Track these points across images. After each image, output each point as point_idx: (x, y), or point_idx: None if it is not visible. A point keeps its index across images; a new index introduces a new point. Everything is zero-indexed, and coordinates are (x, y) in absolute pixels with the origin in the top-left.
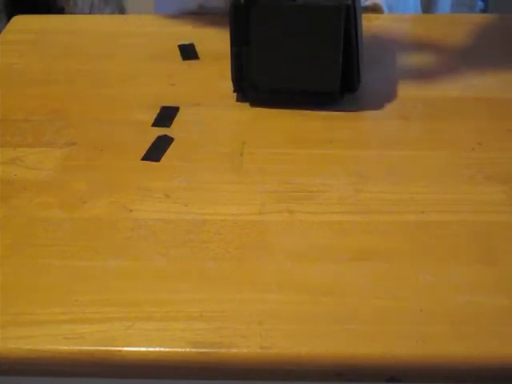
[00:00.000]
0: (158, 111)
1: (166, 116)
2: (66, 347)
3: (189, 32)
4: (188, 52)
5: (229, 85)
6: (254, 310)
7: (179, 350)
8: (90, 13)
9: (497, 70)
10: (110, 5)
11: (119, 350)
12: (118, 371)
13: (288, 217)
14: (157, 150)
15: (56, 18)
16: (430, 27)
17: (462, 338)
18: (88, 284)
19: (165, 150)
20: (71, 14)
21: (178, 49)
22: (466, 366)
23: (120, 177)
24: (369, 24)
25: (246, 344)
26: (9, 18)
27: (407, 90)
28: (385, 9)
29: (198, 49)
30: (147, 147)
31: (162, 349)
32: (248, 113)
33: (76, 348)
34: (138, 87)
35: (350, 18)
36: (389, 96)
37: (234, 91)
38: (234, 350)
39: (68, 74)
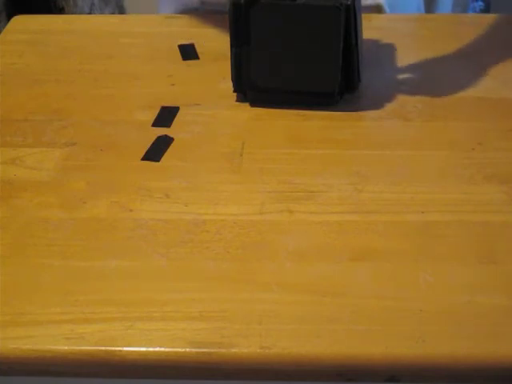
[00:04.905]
0: (158, 111)
1: (166, 116)
2: (66, 347)
3: (189, 32)
4: (188, 52)
5: (229, 85)
6: (254, 309)
7: (179, 349)
8: (89, 13)
9: (497, 69)
10: (110, 5)
11: (119, 350)
12: (118, 371)
13: (288, 217)
14: (157, 150)
15: (56, 18)
16: (430, 27)
17: (462, 338)
18: (88, 284)
19: (165, 150)
20: (71, 14)
21: (178, 49)
22: (466, 365)
23: (120, 177)
24: (369, 24)
25: (246, 344)
26: (9, 18)
27: (407, 90)
28: (387, 9)
29: (198, 49)
30: (147, 147)
31: (162, 349)
32: (248, 113)
33: (76, 348)
34: (138, 87)
35: (349, 17)
36: (389, 96)
37: (234, 91)
38: (234, 350)
39: (68, 74)
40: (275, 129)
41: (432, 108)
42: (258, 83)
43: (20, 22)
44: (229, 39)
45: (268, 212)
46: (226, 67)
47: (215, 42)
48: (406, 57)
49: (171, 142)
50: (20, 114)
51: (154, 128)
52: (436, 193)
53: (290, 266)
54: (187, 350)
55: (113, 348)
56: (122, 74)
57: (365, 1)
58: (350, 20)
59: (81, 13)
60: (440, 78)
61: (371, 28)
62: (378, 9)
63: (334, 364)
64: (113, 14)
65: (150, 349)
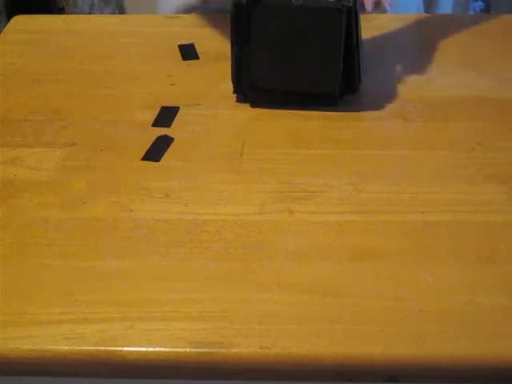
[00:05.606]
0: (158, 111)
1: (166, 116)
2: (66, 347)
3: (189, 32)
4: (188, 52)
5: (229, 85)
6: (254, 309)
7: (179, 349)
8: (89, 13)
9: (497, 69)
10: (110, 5)
11: (119, 350)
12: (118, 371)
13: (288, 217)
14: (157, 150)
15: (56, 18)
16: (430, 27)
17: (462, 338)
18: (88, 284)
19: (165, 150)
20: (71, 14)
21: (178, 49)
22: (466, 365)
23: (120, 177)
24: (369, 24)
25: (246, 344)
26: (9, 18)
27: (407, 90)
28: (386, 6)
29: (198, 49)
30: (147, 147)
31: (162, 349)
32: (248, 113)
33: (76, 348)
34: (138, 87)
35: (350, 19)
36: (389, 96)
37: (234, 91)
38: (234, 350)
39: (68, 74)
40: (275, 129)
41: (432, 108)
42: (259, 83)
43: (20, 22)
44: (229, 39)
45: (268, 212)
46: (226, 67)
47: (215, 42)
48: (406, 57)
49: (171, 142)
50: (20, 114)
51: (154, 128)
52: (436, 193)
53: (290, 266)
54: (187, 350)
55: (113, 348)
56: (122, 74)
57: None
58: (351, 21)
59: (81, 13)
60: (440, 78)
61: (371, 28)
62: (377, 4)
63: (334, 364)
64: (113, 14)
65: (150, 349)
